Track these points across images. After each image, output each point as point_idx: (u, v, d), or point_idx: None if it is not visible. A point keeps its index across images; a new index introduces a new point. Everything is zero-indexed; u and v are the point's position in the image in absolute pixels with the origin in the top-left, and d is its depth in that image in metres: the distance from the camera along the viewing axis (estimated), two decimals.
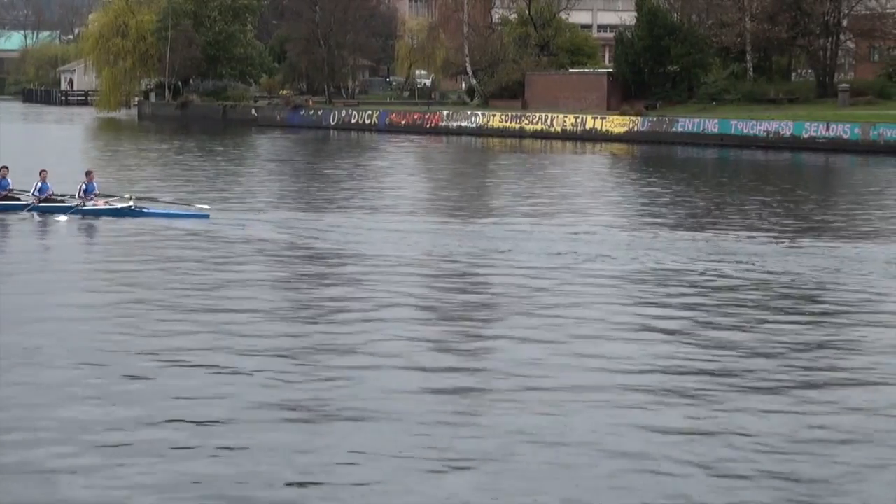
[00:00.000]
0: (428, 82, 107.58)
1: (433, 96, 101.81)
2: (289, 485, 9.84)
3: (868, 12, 71.33)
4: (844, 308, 17.53)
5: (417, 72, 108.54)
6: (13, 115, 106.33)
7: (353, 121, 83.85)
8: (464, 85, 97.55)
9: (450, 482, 9.96)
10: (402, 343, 14.77)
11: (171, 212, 27.80)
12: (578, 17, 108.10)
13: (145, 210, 27.63)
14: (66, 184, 29.31)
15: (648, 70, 76.03)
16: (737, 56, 74.25)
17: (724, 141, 62.00)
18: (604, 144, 65.63)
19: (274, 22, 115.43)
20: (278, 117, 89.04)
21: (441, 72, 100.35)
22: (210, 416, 11.53)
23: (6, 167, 28.83)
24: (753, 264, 21.16)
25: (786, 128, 60.69)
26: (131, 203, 27.70)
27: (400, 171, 47.53)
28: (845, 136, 57.93)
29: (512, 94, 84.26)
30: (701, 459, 10.46)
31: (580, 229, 26.19)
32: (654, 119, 68.09)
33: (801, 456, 10.62)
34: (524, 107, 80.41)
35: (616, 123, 69.04)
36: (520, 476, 10.05)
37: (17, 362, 13.53)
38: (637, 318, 16.37)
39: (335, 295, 18.16)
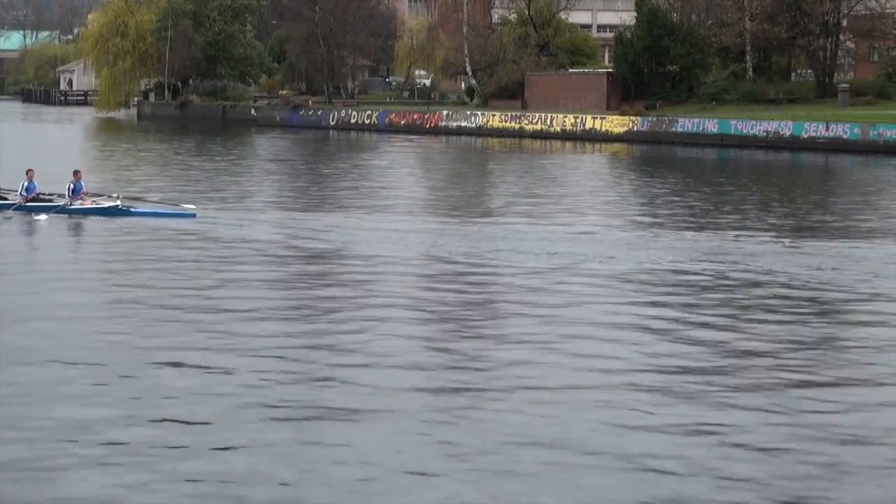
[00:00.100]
0: (427, 82, 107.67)
1: (433, 96, 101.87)
2: (286, 484, 9.82)
3: (868, 12, 71.25)
4: (844, 308, 17.53)
5: (417, 72, 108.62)
6: (13, 115, 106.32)
7: (352, 121, 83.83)
8: (463, 85, 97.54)
9: (449, 482, 9.94)
10: (401, 343, 14.75)
11: (158, 211, 27.87)
12: (578, 17, 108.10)
13: (132, 209, 27.68)
14: (56, 183, 29.26)
15: (648, 70, 76.01)
16: (736, 56, 74.20)
17: (723, 141, 61.97)
18: (603, 144, 65.57)
19: (273, 22, 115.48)
20: (278, 117, 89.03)
21: (440, 72, 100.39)
22: (207, 415, 11.51)
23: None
24: (752, 264, 21.14)
25: (785, 128, 60.66)
26: (118, 202, 27.77)
27: (399, 171, 47.51)
28: (845, 137, 57.91)
29: (511, 94, 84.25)
30: (699, 459, 10.44)
31: (579, 229, 26.18)
32: (654, 119, 68.06)
33: (800, 456, 10.61)
34: (524, 107, 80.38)
35: (616, 123, 69.01)
36: (519, 476, 10.03)
37: (11, 361, 13.49)
38: (636, 318, 16.35)
39: (333, 294, 18.15)
